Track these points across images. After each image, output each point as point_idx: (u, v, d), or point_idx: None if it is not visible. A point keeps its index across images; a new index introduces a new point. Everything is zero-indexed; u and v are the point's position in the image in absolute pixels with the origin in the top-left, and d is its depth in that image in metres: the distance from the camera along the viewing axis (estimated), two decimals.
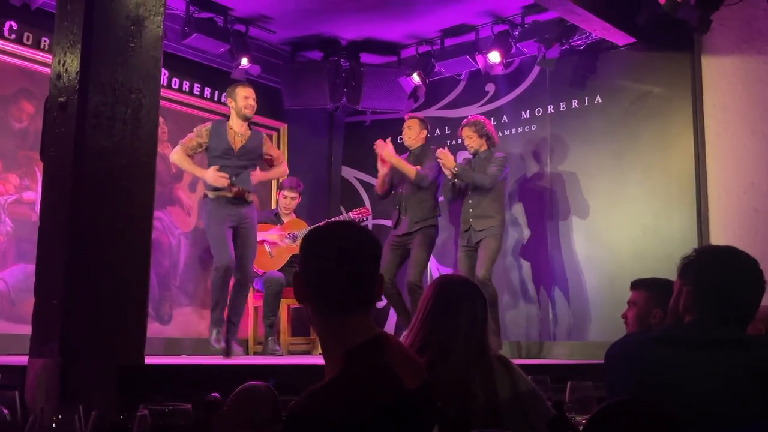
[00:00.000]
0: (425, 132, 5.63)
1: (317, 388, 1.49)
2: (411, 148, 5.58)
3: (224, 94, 6.47)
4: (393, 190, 5.58)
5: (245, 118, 4.90)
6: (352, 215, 6.08)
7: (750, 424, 1.77)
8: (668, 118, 5.61)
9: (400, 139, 5.79)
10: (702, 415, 1.76)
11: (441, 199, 5.65)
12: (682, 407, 1.74)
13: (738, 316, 1.92)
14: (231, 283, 4.84)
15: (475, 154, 5.51)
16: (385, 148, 5.44)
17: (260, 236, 5.42)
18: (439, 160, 5.36)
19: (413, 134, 5.56)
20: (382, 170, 5.50)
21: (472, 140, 5.47)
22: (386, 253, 5.32)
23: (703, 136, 5.41)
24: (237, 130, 4.89)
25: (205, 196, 4.87)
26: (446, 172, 5.39)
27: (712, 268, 1.96)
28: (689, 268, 1.98)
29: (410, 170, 5.37)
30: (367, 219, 6.42)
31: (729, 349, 1.83)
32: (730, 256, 1.98)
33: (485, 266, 5.18)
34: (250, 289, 5.79)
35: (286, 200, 6.02)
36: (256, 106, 4.97)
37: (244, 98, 4.86)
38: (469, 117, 5.63)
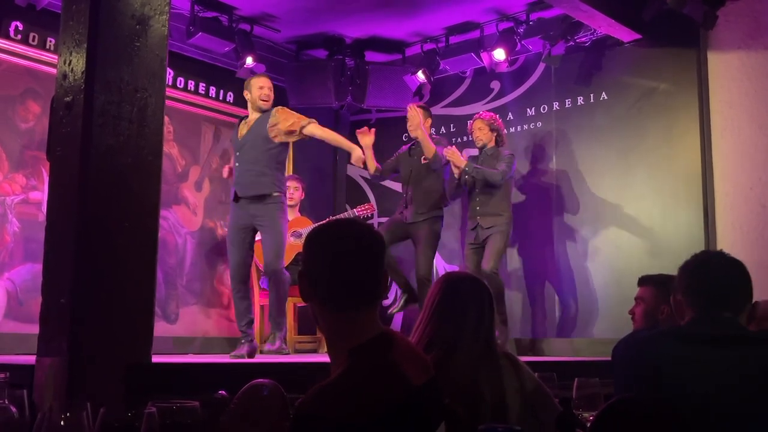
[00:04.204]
0: (430, 120, 5.52)
1: (324, 386, 1.49)
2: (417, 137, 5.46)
3: (229, 93, 6.55)
4: (403, 191, 5.50)
5: (260, 110, 4.69)
6: (356, 211, 6.07)
7: (757, 420, 1.77)
8: (674, 114, 5.59)
9: (406, 136, 5.77)
10: (709, 412, 1.76)
11: (449, 202, 5.61)
12: (690, 403, 1.74)
13: (729, 303, 1.94)
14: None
15: (482, 149, 5.51)
16: (416, 117, 5.23)
17: None
18: (446, 156, 5.32)
19: (416, 123, 5.47)
20: (368, 153, 5.15)
21: (482, 132, 5.46)
22: (387, 223, 5.30)
23: (709, 132, 5.39)
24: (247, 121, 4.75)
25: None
26: (455, 170, 5.35)
27: (698, 264, 2.03)
28: (678, 276, 2.06)
29: (431, 147, 5.20)
30: (371, 215, 6.41)
31: (737, 346, 1.83)
32: (713, 254, 2.10)
33: (491, 260, 5.17)
34: (256, 289, 5.80)
35: (288, 190, 6.00)
36: (272, 96, 4.71)
37: (258, 88, 4.67)
38: (482, 112, 5.63)
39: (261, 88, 4.68)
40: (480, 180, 5.33)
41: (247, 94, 4.76)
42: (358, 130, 5.33)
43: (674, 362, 1.83)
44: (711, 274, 1.98)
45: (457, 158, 5.31)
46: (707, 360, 1.81)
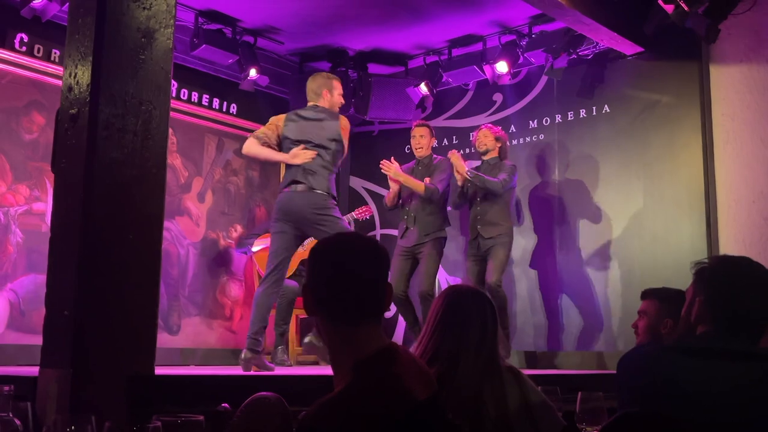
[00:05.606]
0: (434, 140, 5.66)
1: (327, 399, 1.49)
2: (421, 158, 5.54)
3: (233, 105, 6.55)
4: (402, 202, 5.53)
5: (332, 113, 4.61)
6: (354, 215, 6.09)
7: None
8: (676, 127, 5.60)
9: (408, 148, 5.77)
10: (714, 427, 1.75)
11: (449, 208, 5.63)
12: (694, 418, 1.73)
13: (751, 328, 1.91)
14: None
15: (484, 153, 5.53)
16: (391, 168, 5.38)
17: (266, 244, 5.41)
18: (451, 161, 5.35)
19: (426, 143, 5.54)
20: (394, 186, 5.45)
21: (488, 139, 5.48)
22: (396, 262, 5.30)
23: (711, 145, 5.40)
24: None
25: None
26: (457, 176, 5.37)
27: (727, 279, 1.94)
28: (703, 278, 1.97)
29: (419, 185, 5.32)
30: (370, 216, 6.43)
31: (742, 361, 1.82)
32: (745, 266, 1.97)
33: (495, 274, 5.17)
34: None
35: None
36: None
37: (339, 94, 4.61)
38: (489, 124, 5.70)
39: (341, 94, 4.65)
40: (480, 188, 5.34)
41: (326, 93, 4.57)
42: (383, 169, 5.40)
43: (679, 376, 1.82)
44: (733, 288, 1.92)
45: (460, 164, 5.33)
46: (713, 374, 1.80)
